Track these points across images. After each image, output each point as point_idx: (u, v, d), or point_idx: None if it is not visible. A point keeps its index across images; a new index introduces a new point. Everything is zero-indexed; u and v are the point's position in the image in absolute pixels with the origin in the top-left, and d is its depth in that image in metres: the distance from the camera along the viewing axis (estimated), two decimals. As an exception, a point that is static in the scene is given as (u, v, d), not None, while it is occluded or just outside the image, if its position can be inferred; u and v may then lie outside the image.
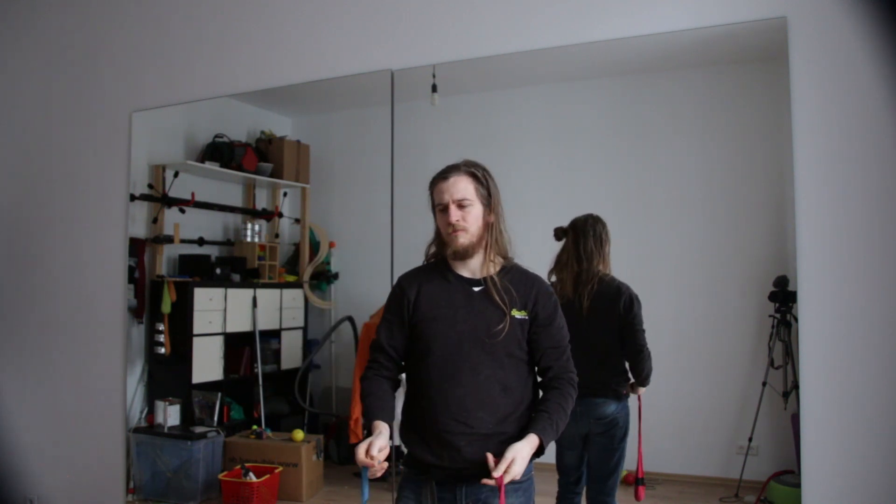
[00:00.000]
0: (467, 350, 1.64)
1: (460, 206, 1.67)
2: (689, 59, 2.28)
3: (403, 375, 1.80)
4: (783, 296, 2.06)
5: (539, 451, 1.59)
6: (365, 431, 1.62)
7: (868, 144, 1.90)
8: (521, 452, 1.53)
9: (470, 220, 1.68)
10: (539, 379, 1.73)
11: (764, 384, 2.14)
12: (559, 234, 2.32)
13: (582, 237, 2.26)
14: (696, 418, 2.32)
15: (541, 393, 1.73)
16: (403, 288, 1.76)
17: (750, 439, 2.17)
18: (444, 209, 1.69)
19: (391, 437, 1.63)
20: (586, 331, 2.15)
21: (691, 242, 2.35)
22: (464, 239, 1.67)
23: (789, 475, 2.05)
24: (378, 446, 1.53)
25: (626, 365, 2.21)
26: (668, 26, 2.14)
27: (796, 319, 1.98)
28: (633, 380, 2.21)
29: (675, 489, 2.30)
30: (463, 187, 1.68)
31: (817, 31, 1.96)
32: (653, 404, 2.25)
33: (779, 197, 2.09)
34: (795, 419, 1.99)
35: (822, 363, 1.93)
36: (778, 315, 2.10)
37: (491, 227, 1.71)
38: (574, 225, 2.30)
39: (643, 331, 2.17)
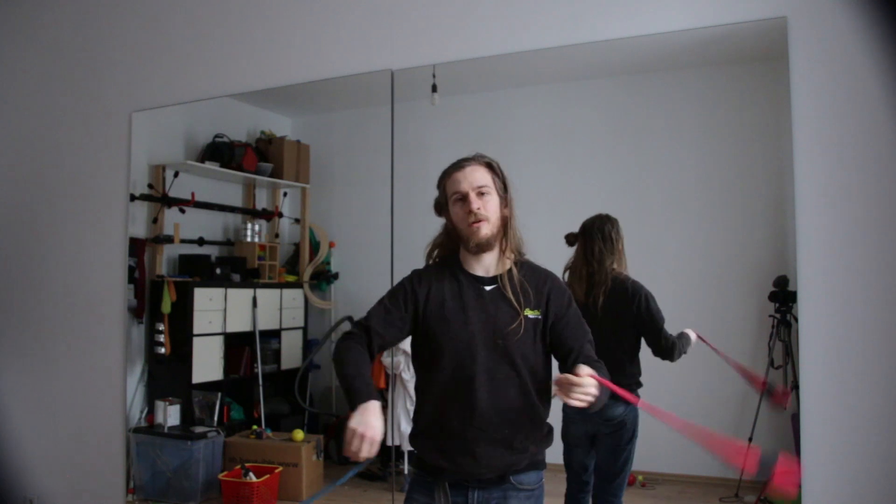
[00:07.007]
0: (480, 352, 1.58)
1: (480, 193, 1.61)
2: (690, 59, 2.28)
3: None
4: (783, 296, 2.06)
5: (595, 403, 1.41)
6: (353, 406, 1.46)
7: (868, 144, 1.90)
8: (594, 381, 1.37)
9: (490, 209, 1.61)
10: (564, 371, 1.61)
11: (764, 384, 2.14)
12: (570, 239, 2.30)
13: (590, 240, 2.26)
14: (696, 418, 2.31)
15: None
16: (414, 284, 1.67)
17: (750, 439, 2.17)
18: (463, 198, 1.61)
19: (387, 437, 1.58)
20: (601, 332, 2.14)
21: (691, 242, 2.35)
22: (486, 229, 1.60)
23: (789, 475, 2.05)
24: (376, 446, 1.42)
25: (654, 354, 2.19)
26: (668, 26, 2.13)
27: (796, 319, 1.98)
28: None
29: (675, 489, 2.30)
30: (481, 175, 1.62)
31: (817, 31, 1.96)
32: (653, 404, 2.25)
33: (779, 197, 2.09)
34: (795, 419, 1.99)
35: (822, 363, 1.93)
36: (778, 315, 2.10)
37: (506, 222, 1.65)
38: (583, 228, 2.29)
39: (663, 324, 2.17)
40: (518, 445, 1.59)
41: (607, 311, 2.19)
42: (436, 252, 1.74)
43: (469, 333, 1.59)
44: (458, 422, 1.58)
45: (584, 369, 1.40)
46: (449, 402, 1.59)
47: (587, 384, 1.36)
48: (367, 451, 1.43)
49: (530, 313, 1.61)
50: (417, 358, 1.70)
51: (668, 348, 2.17)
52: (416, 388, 1.71)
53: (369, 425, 1.43)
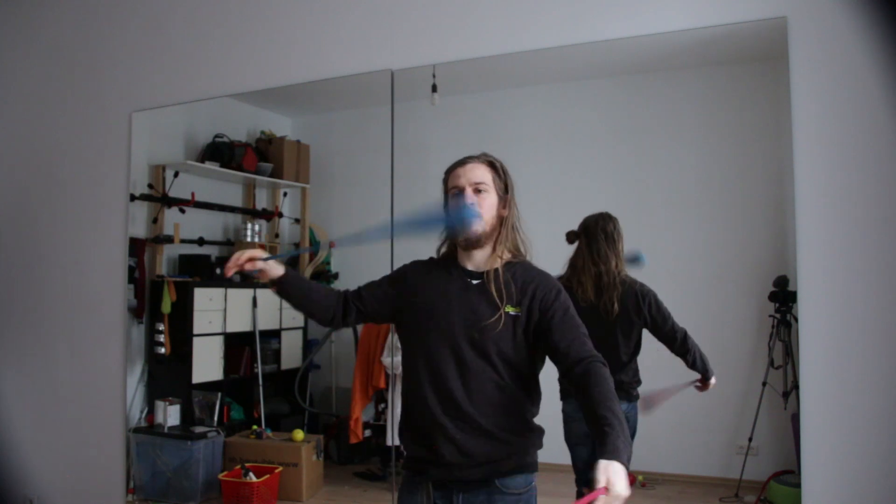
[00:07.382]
0: (455, 342, 1.59)
1: (476, 190, 1.63)
2: (690, 59, 2.28)
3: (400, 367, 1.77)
4: (783, 296, 2.06)
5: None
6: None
7: (868, 144, 1.90)
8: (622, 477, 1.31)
9: (485, 207, 1.62)
10: (564, 371, 1.56)
11: (764, 384, 2.14)
12: (571, 237, 2.30)
13: (594, 239, 2.26)
14: (696, 418, 2.32)
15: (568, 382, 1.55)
16: (409, 270, 1.75)
17: (750, 439, 2.17)
18: (460, 193, 1.63)
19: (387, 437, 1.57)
20: (612, 335, 2.18)
21: (692, 242, 2.35)
22: (478, 226, 1.61)
23: (789, 475, 2.05)
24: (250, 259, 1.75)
25: (683, 359, 2.20)
26: (668, 26, 2.13)
27: (796, 319, 1.98)
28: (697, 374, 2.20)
29: (675, 489, 2.30)
30: (480, 173, 1.64)
31: (817, 31, 1.96)
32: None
33: (779, 197, 2.09)
34: (795, 419, 1.99)
35: (822, 363, 1.93)
36: (778, 315, 2.10)
37: (503, 222, 1.66)
38: (585, 226, 2.29)
39: (672, 319, 2.20)
40: (500, 435, 1.57)
41: (620, 315, 2.21)
42: (442, 248, 1.76)
43: (448, 323, 1.61)
44: (438, 411, 1.58)
45: (604, 473, 1.32)
46: (427, 391, 1.60)
47: (615, 490, 1.29)
48: (245, 261, 1.75)
49: (511, 310, 1.60)
50: (403, 345, 1.72)
51: (682, 340, 2.18)
52: (402, 380, 1.72)
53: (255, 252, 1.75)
